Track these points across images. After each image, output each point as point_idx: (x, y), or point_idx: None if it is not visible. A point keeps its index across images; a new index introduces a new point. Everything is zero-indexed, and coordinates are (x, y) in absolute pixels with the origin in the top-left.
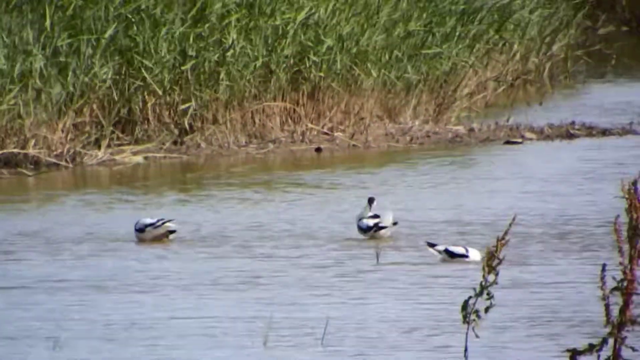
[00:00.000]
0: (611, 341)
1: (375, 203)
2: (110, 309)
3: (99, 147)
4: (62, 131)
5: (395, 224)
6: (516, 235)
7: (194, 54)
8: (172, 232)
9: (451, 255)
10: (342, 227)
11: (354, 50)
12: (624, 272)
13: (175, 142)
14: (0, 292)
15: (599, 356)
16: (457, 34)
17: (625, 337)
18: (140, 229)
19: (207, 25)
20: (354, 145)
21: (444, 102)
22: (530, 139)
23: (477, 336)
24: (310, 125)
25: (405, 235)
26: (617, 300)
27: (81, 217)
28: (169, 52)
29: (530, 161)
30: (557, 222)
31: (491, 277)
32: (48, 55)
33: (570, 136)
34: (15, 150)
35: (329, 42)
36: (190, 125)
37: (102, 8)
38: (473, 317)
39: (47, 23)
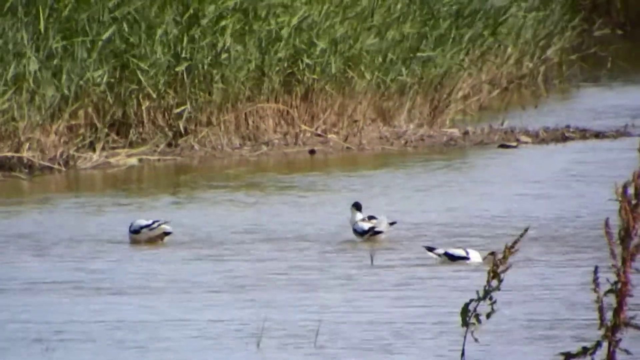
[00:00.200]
0: (605, 344)
1: (361, 207)
2: (103, 312)
3: (94, 150)
4: (56, 134)
5: (392, 223)
6: (511, 238)
7: (187, 56)
8: (167, 234)
9: (451, 258)
10: (336, 229)
11: (348, 53)
12: (617, 275)
13: (169, 145)
14: None
15: (592, 359)
16: (452, 37)
17: (619, 339)
18: (135, 231)
19: (199, 28)
20: (347, 147)
21: (438, 106)
22: (525, 143)
23: (476, 340)
24: (303, 127)
25: (400, 237)
26: (611, 302)
27: (75, 220)
28: (164, 54)
29: (525, 164)
30: (551, 224)
31: (495, 283)
32: (42, 58)
33: (564, 139)
34: (9, 154)
35: (322, 44)
36: (185, 128)
37: (98, 11)
38: (473, 320)
39: (42, 25)
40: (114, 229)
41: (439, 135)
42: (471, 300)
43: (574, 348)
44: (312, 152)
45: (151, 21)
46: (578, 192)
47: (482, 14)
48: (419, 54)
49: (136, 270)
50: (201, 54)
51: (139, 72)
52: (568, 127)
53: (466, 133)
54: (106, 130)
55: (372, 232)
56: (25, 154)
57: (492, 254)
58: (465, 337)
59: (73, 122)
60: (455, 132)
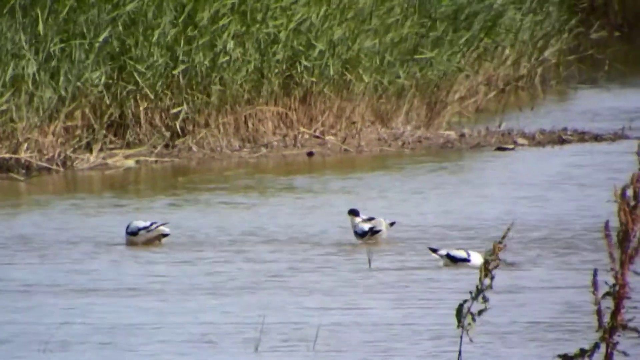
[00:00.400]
0: (603, 346)
1: (358, 213)
2: (101, 314)
3: (91, 151)
4: (54, 135)
5: (392, 224)
6: (508, 240)
7: (185, 58)
8: (164, 235)
9: (453, 260)
10: (334, 231)
11: (346, 55)
12: (615, 277)
13: (167, 146)
14: None
15: None
16: (449, 39)
17: (617, 342)
18: (133, 232)
19: (197, 29)
20: (345, 149)
21: (435, 107)
22: (522, 145)
23: (470, 340)
24: (302, 129)
25: (397, 239)
26: (609, 305)
27: (72, 222)
28: (161, 56)
29: (522, 167)
30: (549, 227)
31: (487, 281)
32: (41, 60)
33: (562, 142)
34: (7, 155)
35: (320, 47)
36: (182, 129)
37: (96, 13)
38: (468, 321)
39: (40, 27)
40: (111, 230)
41: (436, 138)
42: (465, 301)
43: (572, 351)
44: (310, 154)
45: (148, 23)
46: (575, 195)
47: (480, 16)
48: (416, 56)
49: (133, 272)
50: (199, 56)
51: (135, 74)
52: (565, 129)
53: (463, 135)
54: (104, 131)
55: (372, 232)
56: (23, 155)
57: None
58: (461, 337)
59: (70, 123)
60: (452, 134)
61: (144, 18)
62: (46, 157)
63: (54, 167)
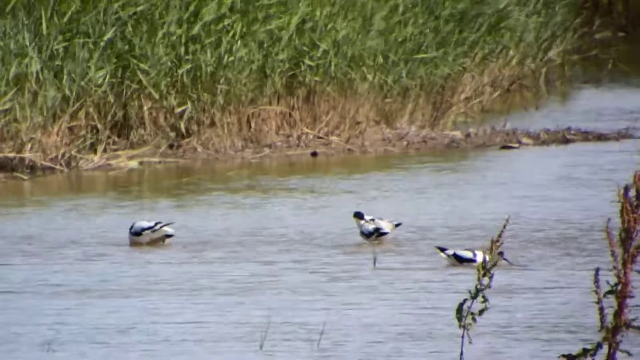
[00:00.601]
0: (606, 346)
1: (363, 215)
2: (104, 314)
3: (95, 151)
4: (58, 135)
5: (398, 225)
6: (512, 240)
7: (189, 57)
8: (168, 236)
9: (459, 259)
10: (339, 231)
11: (349, 54)
12: (618, 276)
13: (171, 146)
14: None
15: None
16: (454, 39)
17: (620, 341)
18: (137, 233)
19: (199, 28)
20: (349, 149)
21: (440, 108)
22: (527, 144)
23: (470, 342)
24: (305, 129)
25: (402, 240)
26: (611, 304)
27: (76, 222)
28: (165, 55)
29: (527, 166)
30: (553, 226)
31: (485, 280)
32: (44, 59)
33: (566, 141)
34: (11, 155)
35: (324, 46)
36: (186, 130)
37: (100, 12)
38: (468, 320)
39: (44, 27)
40: (115, 230)
41: (441, 138)
42: (465, 300)
43: (576, 350)
44: (314, 154)
45: (153, 22)
46: (579, 194)
47: (485, 17)
48: (419, 55)
49: (137, 272)
50: (204, 56)
51: (140, 74)
52: (569, 129)
53: (468, 135)
54: (107, 132)
55: (378, 234)
56: (27, 155)
57: (500, 253)
58: (462, 337)
59: (74, 123)
60: (457, 134)
61: (149, 17)
62: (50, 157)
63: (58, 167)
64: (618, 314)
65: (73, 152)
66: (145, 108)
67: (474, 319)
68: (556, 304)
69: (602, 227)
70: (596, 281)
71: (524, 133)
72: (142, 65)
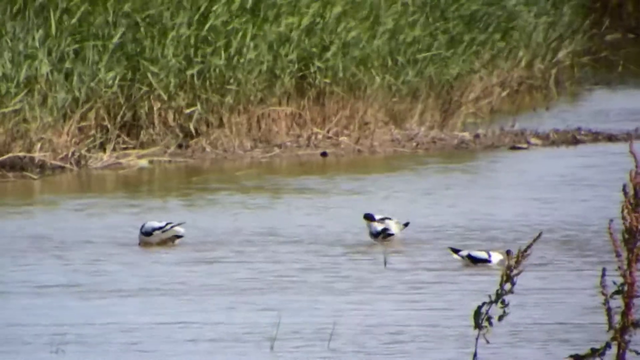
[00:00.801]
0: (614, 346)
1: (373, 217)
2: (114, 314)
3: (104, 151)
4: (68, 135)
5: (406, 224)
6: (521, 241)
7: (199, 59)
8: (178, 237)
9: (473, 260)
10: (349, 232)
11: (358, 55)
12: (624, 276)
13: (180, 146)
14: (5, 296)
15: None
16: (463, 40)
17: (629, 341)
18: (147, 232)
19: (210, 29)
20: (359, 150)
21: (449, 108)
22: (536, 145)
23: (487, 342)
24: (315, 129)
25: (412, 240)
26: (619, 304)
27: (85, 221)
28: (175, 56)
29: (536, 167)
30: (562, 228)
31: (507, 286)
32: (54, 60)
33: (576, 142)
34: (21, 154)
35: (333, 48)
36: (196, 130)
37: (110, 13)
38: (485, 323)
39: (53, 28)
40: (124, 230)
41: (450, 138)
42: (484, 304)
43: (584, 351)
44: (323, 154)
45: (163, 23)
46: (589, 195)
47: (494, 17)
48: (425, 54)
49: (147, 272)
50: (213, 57)
51: (149, 75)
52: (579, 129)
53: (477, 136)
54: (117, 131)
55: (385, 234)
56: (37, 154)
57: (508, 252)
58: (477, 339)
59: (84, 124)
60: (466, 135)
61: (159, 19)
62: (60, 156)
63: (68, 166)
64: (625, 314)
65: (83, 151)
66: (154, 108)
67: (490, 323)
68: (567, 304)
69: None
70: (603, 281)
71: (533, 134)
72: (152, 68)
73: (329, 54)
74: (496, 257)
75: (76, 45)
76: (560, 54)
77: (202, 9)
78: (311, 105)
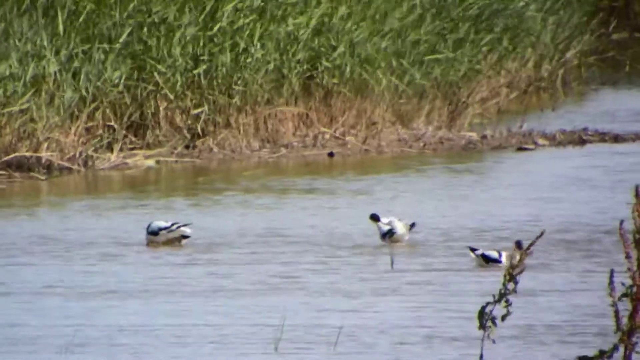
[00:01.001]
0: (622, 348)
1: (379, 217)
2: (121, 315)
3: (112, 151)
4: (75, 135)
5: (413, 225)
6: (528, 241)
7: (206, 58)
8: (185, 237)
9: (486, 259)
10: (356, 232)
11: (364, 56)
12: (633, 278)
13: (187, 146)
14: (11, 297)
15: None
16: (470, 40)
17: (636, 343)
18: (154, 232)
19: (217, 29)
20: (366, 150)
21: (456, 109)
22: (543, 145)
23: (493, 341)
24: (322, 129)
25: (420, 241)
26: (627, 306)
27: (92, 221)
28: (181, 56)
29: (543, 168)
30: (570, 228)
31: (511, 286)
32: (62, 60)
33: (582, 142)
34: (28, 154)
35: (341, 47)
36: (203, 130)
37: (116, 13)
38: (489, 324)
39: (60, 28)
40: (131, 230)
41: (457, 139)
42: (488, 304)
43: (592, 352)
44: (331, 154)
45: (169, 23)
46: (596, 196)
47: (501, 18)
48: (431, 57)
49: (153, 273)
50: (220, 57)
51: (156, 75)
52: (586, 130)
53: (484, 136)
54: (124, 131)
55: (390, 234)
56: (44, 154)
57: (518, 244)
58: (482, 340)
59: (91, 124)
60: (474, 135)
61: (165, 18)
62: (67, 156)
63: (75, 166)
64: (633, 316)
65: (90, 152)
66: (161, 108)
67: (494, 323)
68: (576, 306)
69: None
70: (611, 283)
71: (540, 134)
72: (158, 67)
73: (336, 54)
74: (507, 256)
75: (84, 46)
76: (568, 54)
77: (208, 8)
78: (318, 106)
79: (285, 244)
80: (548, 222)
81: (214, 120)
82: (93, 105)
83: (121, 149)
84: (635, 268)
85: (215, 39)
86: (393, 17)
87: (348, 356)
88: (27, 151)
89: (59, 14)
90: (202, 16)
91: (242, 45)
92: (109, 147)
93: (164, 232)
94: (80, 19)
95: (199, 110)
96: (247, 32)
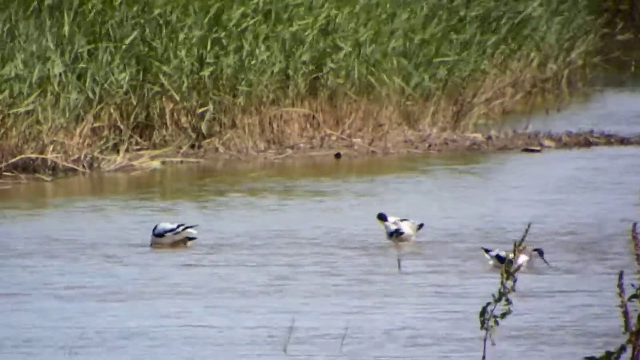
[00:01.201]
0: (629, 349)
1: (386, 217)
2: (127, 316)
3: (117, 152)
4: (80, 136)
5: (420, 226)
6: (536, 244)
7: (211, 60)
8: (191, 239)
9: (501, 260)
10: (362, 233)
11: (370, 57)
12: None
13: (192, 146)
14: (15, 298)
15: None
16: (476, 41)
17: None
18: (160, 234)
19: (224, 31)
20: (372, 151)
21: (462, 110)
22: (549, 147)
23: (493, 343)
24: (329, 131)
25: (426, 242)
26: (636, 307)
27: (98, 223)
28: (187, 57)
29: (549, 169)
30: (576, 230)
31: (509, 284)
32: (67, 61)
33: (588, 144)
34: (34, 156)
35: (347, 47)
36: (209, 130)
37: (121, 15)
38: (491, 323)
39: (66, 29)
40: (137, 231)
41: (462, 140)
42: (488, 303)
43: (600, 353)
44: (337, 155)
45: (174, 24)
46: (602, 198)
47: (507, 19)
48: (440, 59)
49: (159, 275)
50: (226, 58)
51: (161, 76)
52: (591, 131)
53: (489, 137)
54: (130, 132)
55: (397, 234)
56: (50, 156)
57: (539, 251)
58: (485, 340)
59: (97, 125)
60: (479, 136)
61: (170, 19)
62: (72, 158)
63: (80, 168)
64: None
65: (95, 154)
66: (167, 109)
67: (496, 322)
68: (582, 307)
69: (625, 230)
70: (620, 285)
71: (546, 136)
72: (164, 68)
73: (341, 55)
74: (521, 258)
75: (90, 47)
76: (573, 55)
77: (213, 10)
78: (324, 107)
79: (291, 245)
80: (554, 224)
81: (220, 120)
82: (99, 107)
83: (127, 150)
84: None
85: (221, 40)
86: (400, 18)
87: (356, 357)
88: (32, 153)
89: (65, 15)
90: (207, 18)
91: (248, 47)
92: (115, 148)
93: (170, 234)
94: (87, 19)
95: (204, 109)
96: (252, 34)
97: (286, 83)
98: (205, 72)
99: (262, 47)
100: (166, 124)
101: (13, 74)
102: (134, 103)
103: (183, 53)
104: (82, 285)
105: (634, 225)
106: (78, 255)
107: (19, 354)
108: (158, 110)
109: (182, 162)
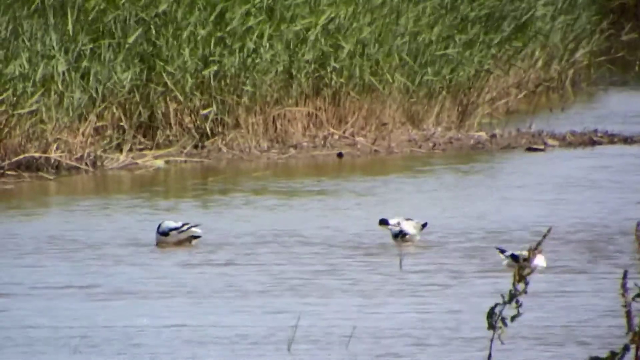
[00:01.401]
0: (633, 349)
1: (390, 221)
2: (131, 315)
3: (121, 151)
4: (84, 135)
5: (424, 225)
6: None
7: (215, 59)
8: (195, 237)
9: (516, 260)
10: (365, 233)
11: (374, 56)
12: None
13: (196, 146)
14: (19, 297)
15: None
16: (480, 40)
17: None
18: (164, 233)
19: (227, 30)
20: (376, 150)
21: (466, 109)
22: (552, 146)
23: (502, 342)
24: (332, 130)
25: (429, 242)
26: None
27: (102, 222)
28: (191, 57)
29: (552, 168)
30: (580, 229)
31: (521, 286)
32: (71, 60)
33: (592, 143)
34: (37, 154)
35: (349, 46)
36: (212, 130)
37: (127, 13)
38: (499, 324)
39: (69, 27)
40: (140, 230)
41: (466, 139)
42: (497, 304)
43: (603, 353)
44: (340, 155)
45: (178, 23)
46: (606, 197)
47: (511, 19)
48: (444, 51)
49: (163, 273)
50: (230, 59)
51: (165, 76)
52: (596, 131)
53: (493, 136)
54: (133, 132)
55: (402, 234)
56: (53, 154)
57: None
58: (492, 340)
59: (100, 124)
60: (483, 135)
61: (174, 18)
62: (76, 156)
63: (84, 166)
64: None
65: (99, 152)
66: (170, 109)
67: (504, 324)
68: (586, 306)
69: (630, 230)
70: (624, 284)
71: (550, 135)
72: (167, 68)
73: (344, 54)
74: (538, 258)
75: (92, 45)
76: (577, 55)
77: (217, 9)
78: (327, 106)
79: (295, 245)
80: (558, 223)
81: (223, 120)
82: (102, 106)
83: (130, 150)
84: None
85: (224, 40)
86: (406, 18)
87: (361, 357)
88: (36, 152)
89: (69, 13)
90: (211, 18)
91: (251, 46)
92: (118, 148)
93: (174, 232)
94: (90, 17)
95: (207, 110)
96: (256, 33)
97: (290, 82)
98: (210, 71)
99: (266, 47)
100: (170, 124)
101: (17, 73)
102: (138, 102)
103: (187, 52)
104: (85, 283)
105: (638, 224)
106: (81, 254)
107: (20, 354)
108: (162, 110)
109: (185, 161)
